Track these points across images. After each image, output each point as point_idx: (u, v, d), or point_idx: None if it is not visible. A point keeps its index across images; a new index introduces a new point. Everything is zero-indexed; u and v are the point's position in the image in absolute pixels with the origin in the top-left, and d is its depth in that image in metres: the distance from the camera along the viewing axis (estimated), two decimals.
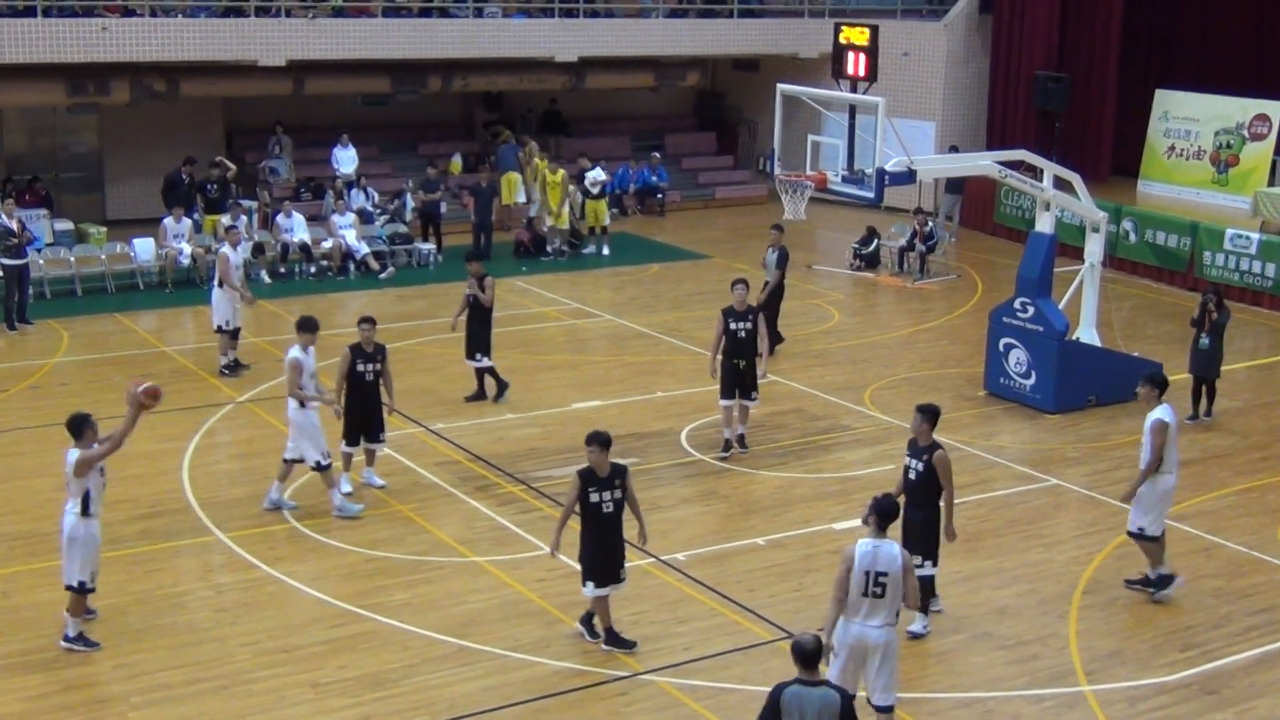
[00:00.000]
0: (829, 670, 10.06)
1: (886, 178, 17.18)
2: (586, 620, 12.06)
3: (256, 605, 12.65)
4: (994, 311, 19.06)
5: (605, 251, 27.71)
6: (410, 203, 27.52)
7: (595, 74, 31.12)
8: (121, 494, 14.41)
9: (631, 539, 12.01)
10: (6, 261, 21.38)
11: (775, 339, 19.64)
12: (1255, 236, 24.52)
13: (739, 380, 16.26)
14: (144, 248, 24.47)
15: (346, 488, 14.85)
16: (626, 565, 11.88)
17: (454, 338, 18.49)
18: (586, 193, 28.19)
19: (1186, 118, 29.34)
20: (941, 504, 11.96)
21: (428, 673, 11.50)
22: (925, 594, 11.96)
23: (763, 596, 12.96)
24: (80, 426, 11.59)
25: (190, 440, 16.74)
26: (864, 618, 9.91)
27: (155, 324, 22.34)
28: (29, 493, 15.06)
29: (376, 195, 27.65)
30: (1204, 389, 18.18)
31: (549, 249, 27.42)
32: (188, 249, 24.18)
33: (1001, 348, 18.71)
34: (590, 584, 11.74)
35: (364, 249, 25.52)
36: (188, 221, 24.43)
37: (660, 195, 31.87)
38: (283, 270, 25.19)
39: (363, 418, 14.90)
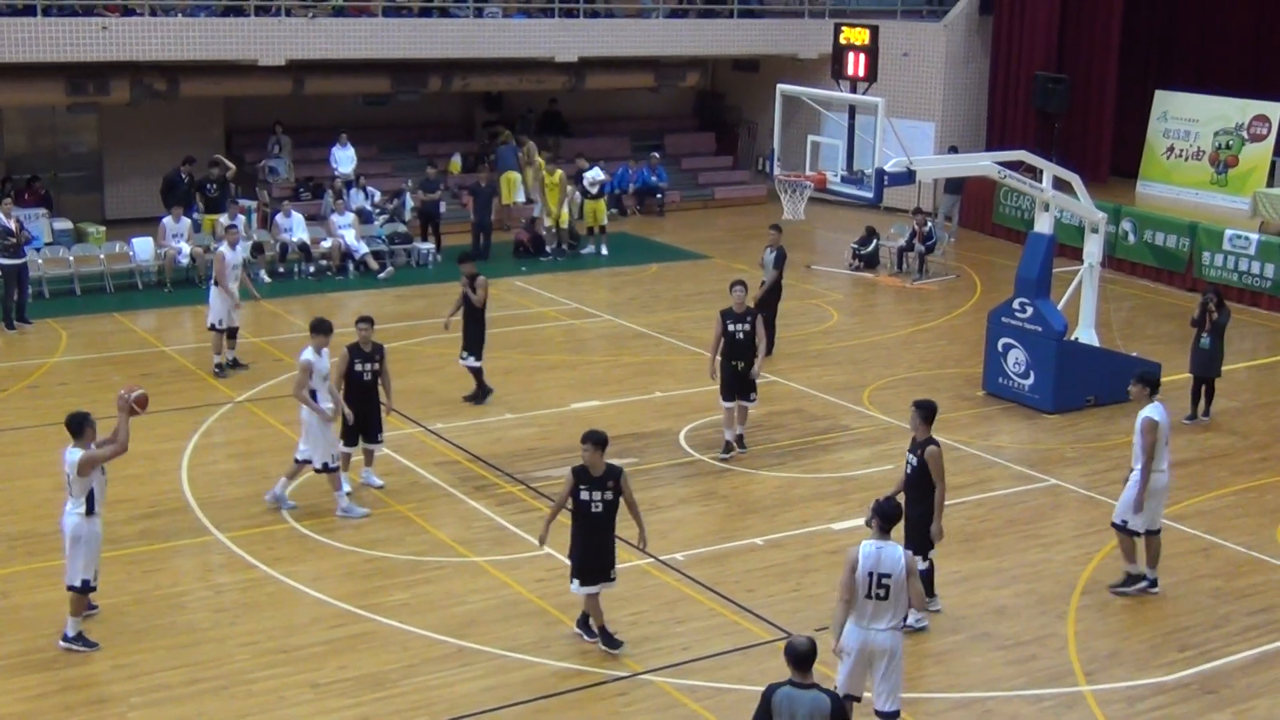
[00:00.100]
0: (838, 672, 10.09)
1: (886, 178, 17.18)
2: (584, 621, 12.06)
3: (256, 605, 12.65)
4: (993, 312, 19.07)
5: (604, 251, 27.69)
6: (410, 202, 27.54)
7: (595, 74, 31.12)
8: (121, 494, 14.40)
9: (631, 541, 12.01)
10: (5, 261, 21.37)
11: (773, 341, 19.63)
12: (1254, 237, 24.52)
13: (737, 382, 16.28)
14: (143, 247, 24.47)
15: (346, 487, 14.84)
16: (624, 565, 11.88)
17: (453, 338, 18.49)
18: (585, 193, 28.18)
19: (1186, 118, 29.35)
20: (934, 500, 12.00)
21: (427, 673, 11.50)
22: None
23: (761, 597, 12.97)
24: (80, 425, 11.58)
25: (189, 440, 16.74)
26: (869, 620, 9.94)
27: (154, 324, 22.33)
28: (28, 493, 15.05)
29: (377, 195, 27.66)
30: (1204, 389, 18.20)
31: (548, 249, 27.44)
32: (187, 249, 24.17)
33: (1000, 348, 18.72)
34: (576, 581, 11.76)
35: (363, 249, 25.52)
36: (187, 221, 24.42)
37: (660, 195, 31.86)
38: (282, 270, 25.20)
39: (361, 418, 14.88)
